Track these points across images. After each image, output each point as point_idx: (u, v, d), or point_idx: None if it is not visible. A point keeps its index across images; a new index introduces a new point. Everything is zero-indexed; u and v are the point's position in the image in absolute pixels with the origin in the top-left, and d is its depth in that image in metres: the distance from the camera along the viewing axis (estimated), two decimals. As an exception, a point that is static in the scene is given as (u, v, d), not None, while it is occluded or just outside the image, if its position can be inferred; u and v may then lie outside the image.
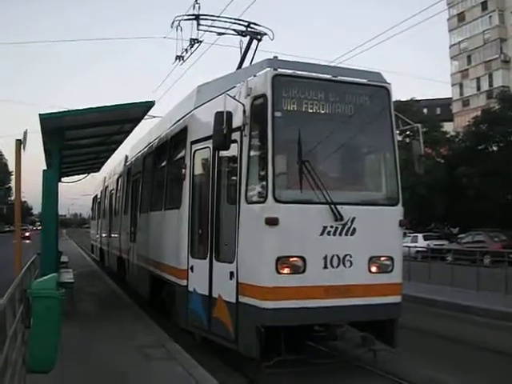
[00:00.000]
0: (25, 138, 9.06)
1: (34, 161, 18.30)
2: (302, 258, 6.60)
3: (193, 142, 8.23)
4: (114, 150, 15.43)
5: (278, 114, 6.73)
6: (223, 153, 7.30)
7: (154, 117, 13.16)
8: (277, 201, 6.51)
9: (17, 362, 4.70)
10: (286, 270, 6.55)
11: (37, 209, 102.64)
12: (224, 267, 7.17)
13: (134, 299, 12.51)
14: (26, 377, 5.40)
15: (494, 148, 42.49)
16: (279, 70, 6.90)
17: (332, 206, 6.72)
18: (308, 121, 7.02)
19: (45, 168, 11.94)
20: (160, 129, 11.03)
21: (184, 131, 8.73)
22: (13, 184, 79.68)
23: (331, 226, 6.73)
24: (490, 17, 70.21)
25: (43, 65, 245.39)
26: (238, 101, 6.85)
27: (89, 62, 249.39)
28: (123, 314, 10.60)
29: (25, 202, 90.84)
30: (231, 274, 6.97)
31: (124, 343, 8.03)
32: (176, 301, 8.82)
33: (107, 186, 20.62)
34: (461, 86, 74.64)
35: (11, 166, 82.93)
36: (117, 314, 10.56)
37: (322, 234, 6.69)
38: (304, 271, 6.61)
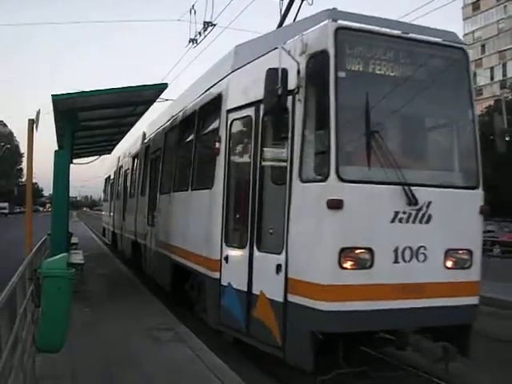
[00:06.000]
0: (37, 117, 8.97)
1: (46, 143, 19.23)
2: (370, 250, 5.41)
3: (229, 111, 7.02)
4: (125, 133, 15.17)
5: (341, 74, 5.49)
6: (270, 122, 6.12)
7: (167, 99, 12.90)
8: (341, 179, 5.30)
9: (26, 341, 4.64)
10: (350, 265, 5.35)
11: (48, 190, 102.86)
12: (268, 259, 6.01)
13: (143, 281, 12.32)
14: (36, 356, 5.32)
15: (507, 139, 41.18)
16: (342, 22, 5.67)
17: (405, 187, 5.50)
18: (375, 84, 5.79)
19: (56, 149, 11.69)
20: (185, 100, 9.80)
21: (217, 99, 7.53)
22: (24, 165, 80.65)
23: (404, 212, 5.51)
24: (505, 6, 69.19)
25: (55, 46, 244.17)
26: (293, 58, 5.62)
27: (100, 43, 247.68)
28: (133, 296, 10.38)
29: (36, 183, 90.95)
30: (278, 267, 5.80)
31: (133, 325, 7.85)
32: (205, 295, 7.69)
33: (121, 166, 19.48)
34: (474, 75, 73.50)
35: (23, 148, 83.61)
36: (126, 296, 10.35)
37: (392, 221, 5.47)
38: (371, 266, 5.42)
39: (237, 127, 6.95)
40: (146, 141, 14.00)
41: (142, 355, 6.37)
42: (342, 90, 5.42)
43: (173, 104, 11.18)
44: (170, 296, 10.19)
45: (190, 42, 12.28)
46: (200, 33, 11.89)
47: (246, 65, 6.89)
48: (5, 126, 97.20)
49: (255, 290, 6.22)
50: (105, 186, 26.90)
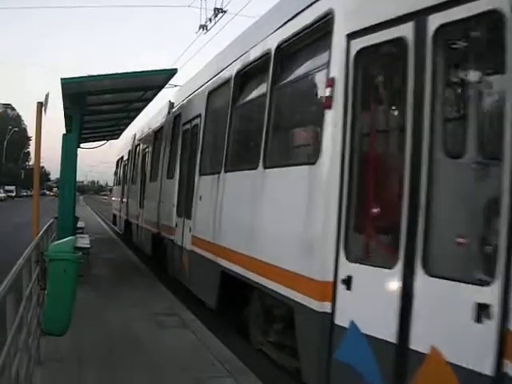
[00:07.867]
0: (46, 100, 8.98)
1: (54, 126, 18.55)
2: None
3: (353, 36, 4.22)
4: (133, 118, 14.84)
5: None
6: (443, 48, 3.41)
7: (176, 86, 12.51)
8: None
9: (32, 324, 4.62)
10: None
11: (55, 174, 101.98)
12: (454, 291, 3.27)
13: (149, 266, 12.24)
14: (41, 339, 5.27)
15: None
16: None
17: None
18: None
19: (64, 133, 11.46)
20: (246, 41, 6.94)
21: (322, 22, 4.71)
22: (31, 149, 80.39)
23: None
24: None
25: (63, 30, 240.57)
26: None
27: (110, 28, 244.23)
28: (138, 282, 10.33)
29: (43, 167, 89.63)
30: (481, 309, 3.07)
31: (138, 310, 7.81)
32: (292, 332, 4.95)
33: (138, 145, 16.75)
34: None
35: (30, 131, 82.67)
36: (132, 281, 10.30)
37: None
38: None
39: (370, 60, 4.18)
40: (174, 110, 11.23)
41: (146, 340, 6.31)
42: None
43: (221, 53, 8.37)
44: (214, 313, 7.53)
45: (200, 28, 12.45)
46: (210, 19, 11.98)
47: None
48: (13, 109, 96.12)
49: (417, 344, 3.48)
50: (116, 168, 24.08)
